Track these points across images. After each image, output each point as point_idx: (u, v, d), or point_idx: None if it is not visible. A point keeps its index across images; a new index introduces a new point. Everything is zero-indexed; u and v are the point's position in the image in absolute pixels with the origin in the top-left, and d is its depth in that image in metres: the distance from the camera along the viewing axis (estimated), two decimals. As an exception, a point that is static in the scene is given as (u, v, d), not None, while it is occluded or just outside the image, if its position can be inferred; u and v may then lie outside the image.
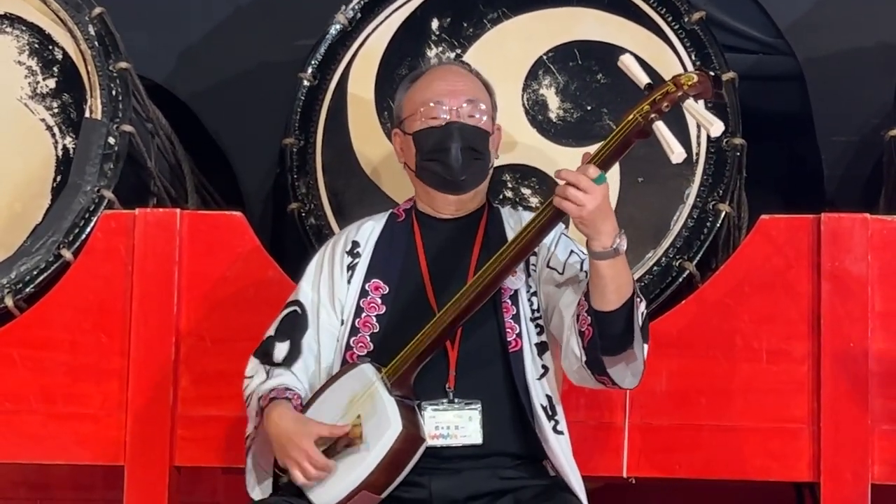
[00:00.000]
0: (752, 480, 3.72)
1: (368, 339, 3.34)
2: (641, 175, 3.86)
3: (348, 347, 3.35)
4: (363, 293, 3.38)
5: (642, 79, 3.14)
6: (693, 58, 3.94)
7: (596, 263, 3.11)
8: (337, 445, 3.21)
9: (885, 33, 4.60)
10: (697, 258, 3.85)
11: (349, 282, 3.40)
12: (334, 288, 3.40)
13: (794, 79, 4.63)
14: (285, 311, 3.44)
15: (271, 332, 3.43)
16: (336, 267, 3.42)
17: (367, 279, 3.39)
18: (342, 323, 3.38)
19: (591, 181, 3.06)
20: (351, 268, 3.42)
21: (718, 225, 3.86)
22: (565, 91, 3.99)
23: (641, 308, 3.18)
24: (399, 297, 3.36)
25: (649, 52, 3.88)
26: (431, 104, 3.39)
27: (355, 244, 3.44)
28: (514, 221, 3.41)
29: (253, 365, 3.42)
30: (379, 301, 3.37)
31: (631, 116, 3.09)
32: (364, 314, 3.37)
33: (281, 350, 3.39)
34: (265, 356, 3.40)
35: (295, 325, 3.40)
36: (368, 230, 3.46)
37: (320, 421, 3.23)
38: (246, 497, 3.38)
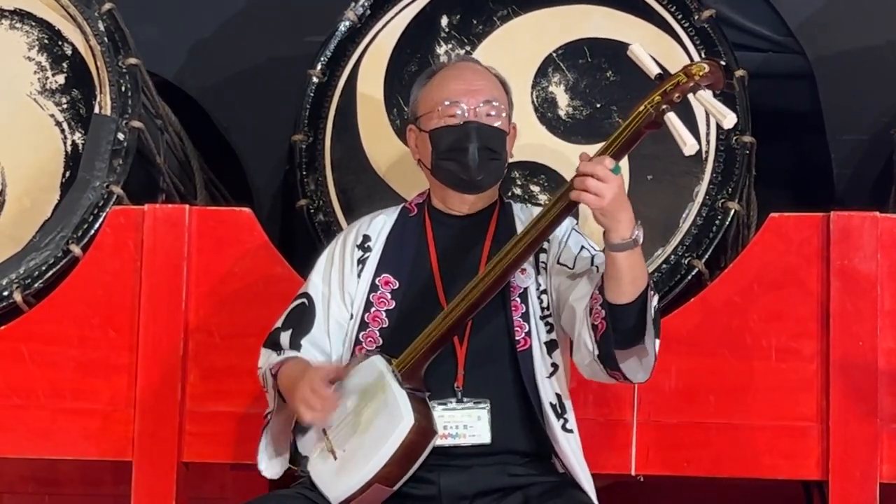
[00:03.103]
0: (760, 478, 3.71)
1: (378, 333, 3.35)
2: (651, 173, 3.86)
3: (357, 342, 3.35)
4: (373, 287, 3.38)
5: (652, 69, 3.10)
6: (703, 56, 3.93)
7: (613, 256, 3.09)
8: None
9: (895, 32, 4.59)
10: (706, 256, 3.84)
11: (359, 276, 3.40)
12: (344, 281, 3.41)
13: (804, 77, 4.63)
14: (293, 304, 3.45)
15: (278, 323, 3.44)
16: (346, 260, 3.42)
17: (377, 274, 3.39)
18: (351, 317, 3.39)
19: (608, 171, 3.05)
20: (361, 262, 3.42)
21: (728, 223, 3.86)
22: (575, 88, 3.99)
23: (654, 301, 3.17)
24: (409, 293, 3.36)
25: (659, 49, 3.87)
26: (448, 103, 3.38)
27: (366, 238, 3.44)
28: (526, 217, 3.40)
29: (264, 354, 3.44)
30: (389, 296, 3.37)
31: (642, 108, 3.07)
32: (374, 309, 3.37)
33: (285, 338, 3.40)
34: (275, 346, 3.41)
35: (301, 318, 3.41)
36: (380, 224, 3.46)
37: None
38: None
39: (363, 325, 3.36)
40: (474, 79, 3.42)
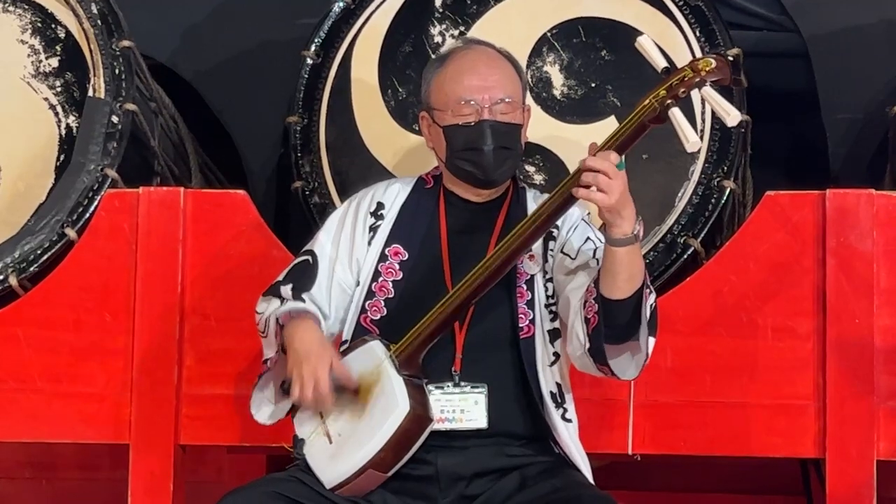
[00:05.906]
0: (757, 457, 3.71)
1: (383, 303, 3.34)
2: (646, 152, 3.85)
3: (363, 311, 3.34)
4: (382, 257, 3.37)
5: (659, 62, 3.09)
6: (697, 34, 3.92)
7: (613, 251, 3.08)
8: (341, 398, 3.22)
9: (890, 10, 4.58)
10: (702, 235, 3.84)
11: (370, 243, 3.39)
12: (354, 247, 3.39)
13: (799, 56, 4.61)
14: (297, 260, 3.43)
15: (280, 277, 3.42)
16: (358, 226, 3.40)
17: (387, 244, 3.38)
18: (358, 284, 3.37)
19: (615, 167, 3.03)
20: (373, 229, 3.40)
21: (723, 202, 3.86)
22: (569, 68, 3.98)
23: (651, 300, 3.15)
24: (417, 268, 3.35)
25: (654, 28, 3.87)
26: (463, 102, 3.32)
27: (380, 205, 3.42)
28: (538, 204, 3.37)
29: (263, 301, 3.41)
30: (397, 266, 3.36)
31: (647, 101, 3.06)
32: (381, 278, 3.35)
33: (287, 291, 3.37)
34: (276, 295, 3.39)
35: (303, 274, 3.39)
36: (395, 192, 3.43)
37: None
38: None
39: (370, 294, 3.35)
40: (489, 73, 3.36)
